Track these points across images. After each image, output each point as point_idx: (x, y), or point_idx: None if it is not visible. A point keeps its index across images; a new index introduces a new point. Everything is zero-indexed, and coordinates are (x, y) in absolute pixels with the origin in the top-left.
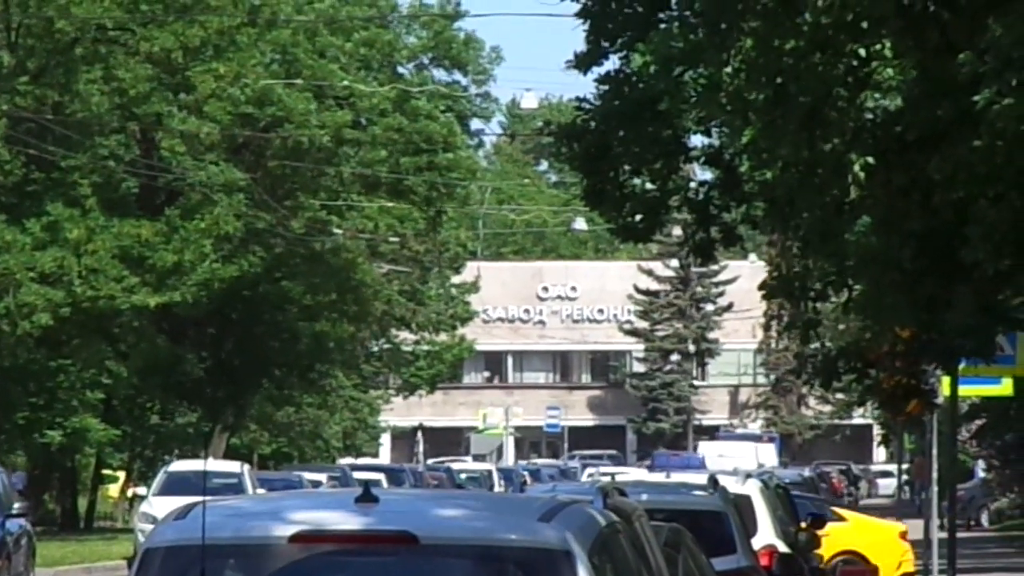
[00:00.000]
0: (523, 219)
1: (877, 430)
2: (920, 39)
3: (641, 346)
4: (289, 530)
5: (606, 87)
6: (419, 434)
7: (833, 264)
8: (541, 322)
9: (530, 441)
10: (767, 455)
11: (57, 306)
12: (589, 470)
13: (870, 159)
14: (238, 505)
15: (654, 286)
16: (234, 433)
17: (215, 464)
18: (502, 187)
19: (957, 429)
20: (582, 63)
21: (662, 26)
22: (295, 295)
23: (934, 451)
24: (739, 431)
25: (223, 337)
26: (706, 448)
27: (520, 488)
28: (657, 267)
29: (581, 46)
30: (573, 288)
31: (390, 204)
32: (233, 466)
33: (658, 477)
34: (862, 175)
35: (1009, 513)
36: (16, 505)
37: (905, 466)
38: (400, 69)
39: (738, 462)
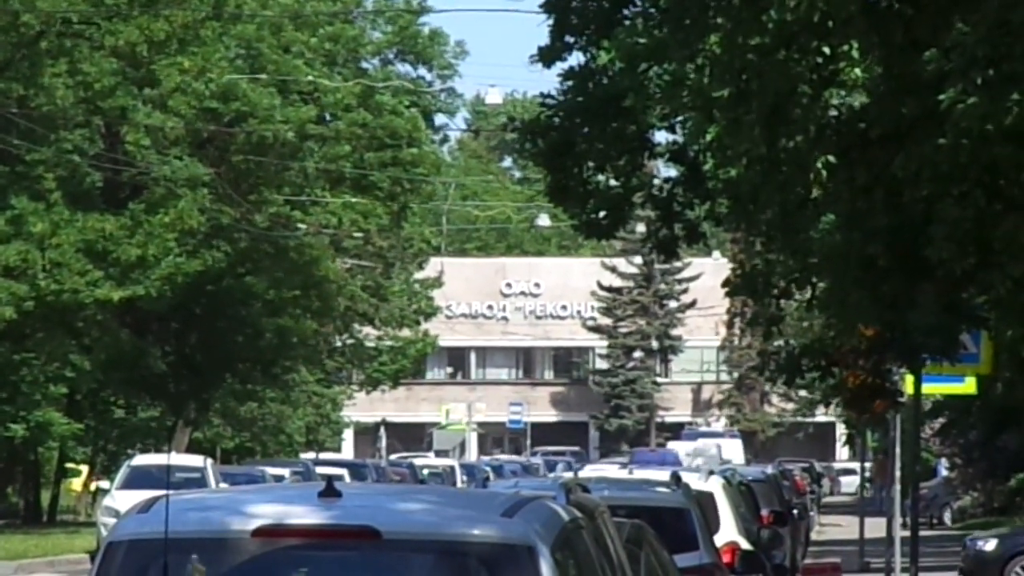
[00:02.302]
0: (487, 215)
1: (840, 429)
2: (885, 36)
3: (604, 343)
4: (252, 524)
5: (570, 83)
6: (382, 429)
7: (796, 261)
8: (504, 318)
9: (493, 437)
10: (733, 451)
11: (21, 300)
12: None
13: (832, 158)
14: (201, 499)
15: (617, 283)
16: (197, 427)
17: (178, 458)
18: (466, 183)
19: (920, 427)
20: (546, 57)
21: (627, 22)
22: (259, 290)
23: (897, 449)
24: (702, 429)
25: (186, 331)
26: (679, 446)
27: (483, 484)
28: (620, 264)
29: (545, 41)
30: (536, 284)
31: (354, 199)
32: (196, 460)
33: (623, 474)
34: (824, 173)
35: (972, 512)
36: None
37: (868, 464)
38: (364, 64)
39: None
